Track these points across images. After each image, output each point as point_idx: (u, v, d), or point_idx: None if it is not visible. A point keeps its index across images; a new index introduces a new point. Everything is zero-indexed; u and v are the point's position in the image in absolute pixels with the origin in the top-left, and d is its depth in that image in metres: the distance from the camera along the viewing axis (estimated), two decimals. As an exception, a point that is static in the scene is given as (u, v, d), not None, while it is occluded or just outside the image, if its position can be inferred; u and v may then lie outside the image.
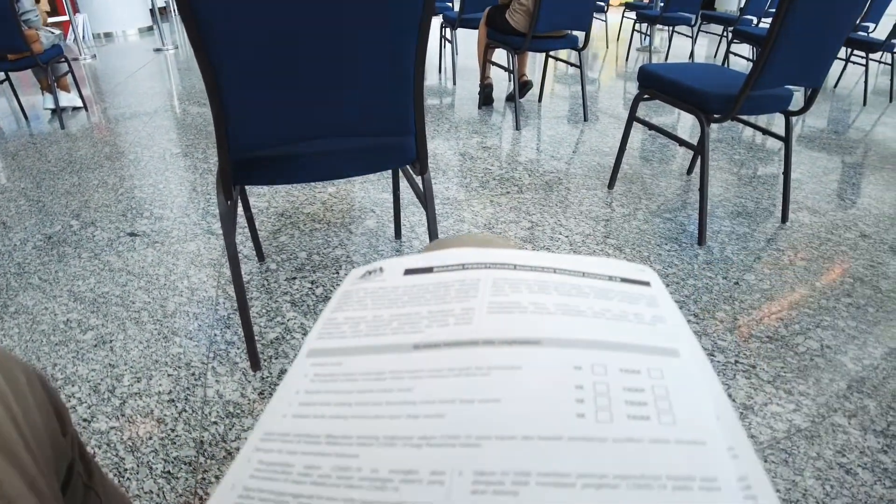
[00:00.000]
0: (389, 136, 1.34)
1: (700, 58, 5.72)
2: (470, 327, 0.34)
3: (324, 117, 1.24)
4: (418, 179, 1.42)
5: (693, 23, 5.28)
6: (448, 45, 4.79)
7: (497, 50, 3.63)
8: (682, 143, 2.07)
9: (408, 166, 1.46)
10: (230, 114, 1.15)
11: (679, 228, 2.02)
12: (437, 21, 4.81)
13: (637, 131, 3.30)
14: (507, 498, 0.25)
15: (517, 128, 3.30)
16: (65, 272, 1.96)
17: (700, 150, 1.89)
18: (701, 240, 1.93)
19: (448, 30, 4.77)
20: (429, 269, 0.40)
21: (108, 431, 1.30)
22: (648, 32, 5.82)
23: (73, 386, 1.42)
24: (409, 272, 0.40)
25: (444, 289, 0.38)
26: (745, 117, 2.29)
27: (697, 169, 2.50)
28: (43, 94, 4.15)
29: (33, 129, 3.96)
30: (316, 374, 0.34)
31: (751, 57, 5.56)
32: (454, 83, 4.68)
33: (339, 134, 1.29)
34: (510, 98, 3.86)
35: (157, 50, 7.38)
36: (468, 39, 4.47)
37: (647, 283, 0.36)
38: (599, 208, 2.20)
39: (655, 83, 2.04)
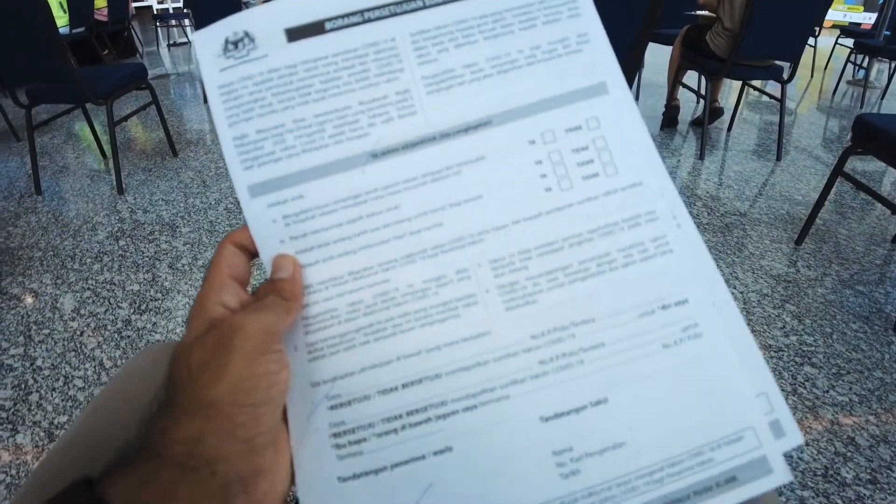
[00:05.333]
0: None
1: (926, 99, 4.96)
2: (418, 119, 0.34)
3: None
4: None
5: (925, 58, 4.57)
6: (634, 58, 4.59)
7: (689, 71, 3.41)
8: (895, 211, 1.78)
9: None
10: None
11: (872, 306, 1.76)
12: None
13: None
14: (522, 272, 0.32)
15: (701, 157, 3.07)
16: (247, 237, 2.15)
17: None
18: (900, 325, 1.66)
19: (636, 42, 4.57)
20: (319, 27, 0.34)
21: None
22: (864, 64, 5.15)
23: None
24: (294, 36, 0.34)
25: (360, 62, 0.34)
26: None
27: (908, 237, 2.16)
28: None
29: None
30: (284, 216, 0.33)
31: None
32: (637, 98, 4.48)
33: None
34: (696, 122, 3.60)
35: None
36: (657, 53, 4.25)
37: None
38: (782, 266, 1.98)
39: (874, 138, 1.77)
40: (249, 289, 0.33)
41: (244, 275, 0.33)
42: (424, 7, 0.34)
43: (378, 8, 0.34)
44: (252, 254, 0.33)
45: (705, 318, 0.31)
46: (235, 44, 0.33)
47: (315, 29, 0.34)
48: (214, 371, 0.27)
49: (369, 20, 0.34)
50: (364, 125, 0.33)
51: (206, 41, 0.34)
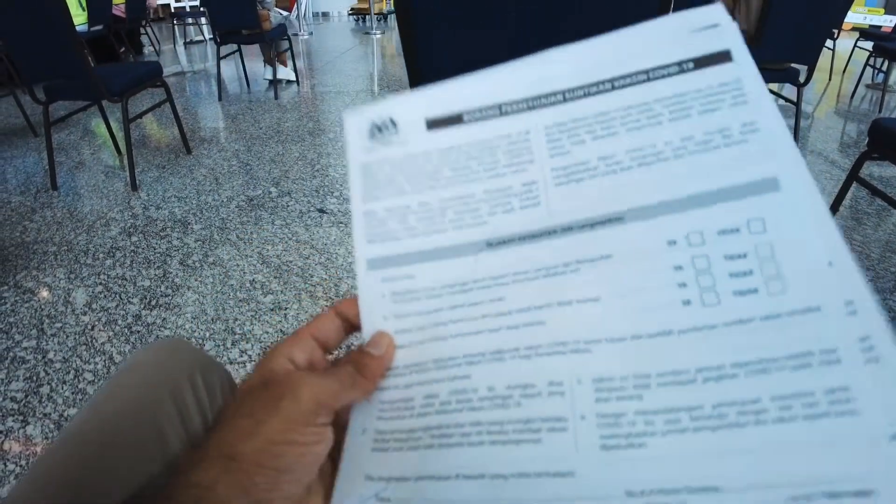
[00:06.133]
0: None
1: (947, 104, 4.89)
2: (540, 211, 0.31)
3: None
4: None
5: (946, 62, 4.50)
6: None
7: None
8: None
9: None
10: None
11: (887, 315, 1.72)
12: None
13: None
14: (633, 403, 0.25)
15: (711, 160, 3.03)
16: (258, 235, 2.17)
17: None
18: (916, 332, 1.62)
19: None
20: (458, 119, 0.34)
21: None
22: (884, 68, 5.08)
23: (246, 343, 1.57)
24: (433, 126, 0.34)
25: (490, 153, 0.33)
26: None
27: (925, 243, 2.13)
28: (264, 65, 4.64)
29: (252, 95, 4.45)
30: (393, 293, 0.33)
31: None
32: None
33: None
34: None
35: (367, 33, 7.92)
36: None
37: (726, 55, 0.30)
38: (795, 270, 1.95)
39: (890, 142, 1.74)
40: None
41: (331, 341, 0.33)
42: (564, 101, 0.32)
43: (516, 102, 0.33)
44: (351, 326, 0.34)
45: None
46: (380, 128, 0.35)
47: (453, 120, 0.34)
48: (250, 426, 0.27)
49: (506, 114, 0.33)
50: (484, 214, 0.32)
51: (357, 123, 0.36)
